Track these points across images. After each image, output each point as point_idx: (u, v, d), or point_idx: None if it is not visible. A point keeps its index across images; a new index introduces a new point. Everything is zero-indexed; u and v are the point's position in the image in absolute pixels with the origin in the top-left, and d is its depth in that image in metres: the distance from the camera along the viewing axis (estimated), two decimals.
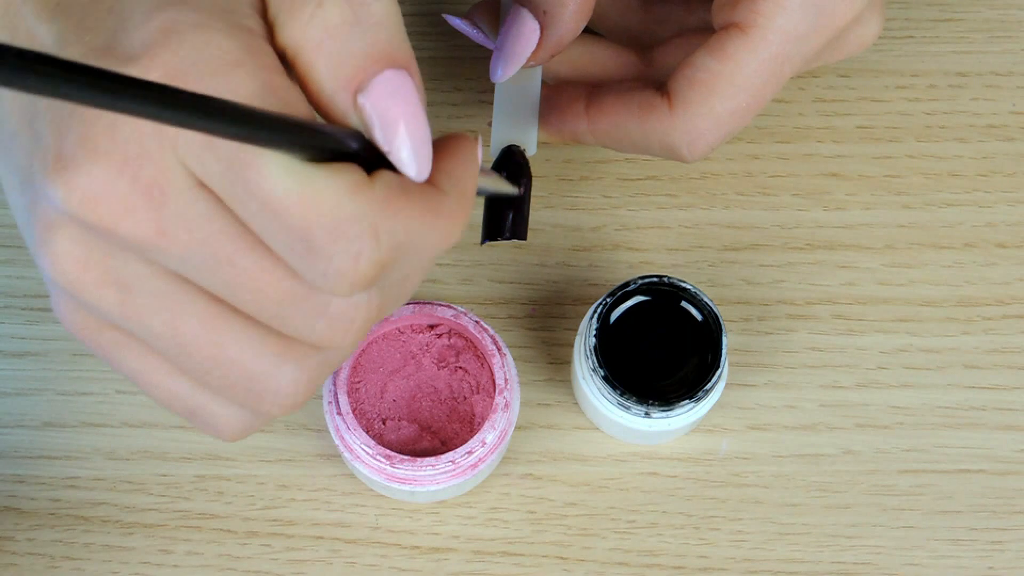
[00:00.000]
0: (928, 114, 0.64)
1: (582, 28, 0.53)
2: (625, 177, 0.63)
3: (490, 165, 0.55)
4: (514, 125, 0.55)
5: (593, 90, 0.55)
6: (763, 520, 0.60)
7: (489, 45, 0.56)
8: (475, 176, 0.40)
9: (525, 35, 0.53)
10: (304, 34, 0.37)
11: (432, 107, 0.63)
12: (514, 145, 0.54)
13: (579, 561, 0.59)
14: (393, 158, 0.38)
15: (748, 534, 0.60)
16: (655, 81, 0.54)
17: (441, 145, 0.40)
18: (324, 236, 0.36)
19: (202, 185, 0.37)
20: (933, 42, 0.65)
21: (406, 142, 0.37)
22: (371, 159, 0.38)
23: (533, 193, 0.62)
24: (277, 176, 0.36)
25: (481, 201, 0.54)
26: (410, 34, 0.64)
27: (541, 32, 0.52)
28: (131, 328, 0.39)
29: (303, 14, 0.37)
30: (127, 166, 0.36)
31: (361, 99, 0.37)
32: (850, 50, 0.54)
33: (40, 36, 0.39)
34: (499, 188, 0.51)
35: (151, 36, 0.36)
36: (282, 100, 0.36)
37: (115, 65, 0.36)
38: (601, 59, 0.56)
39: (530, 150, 0.55)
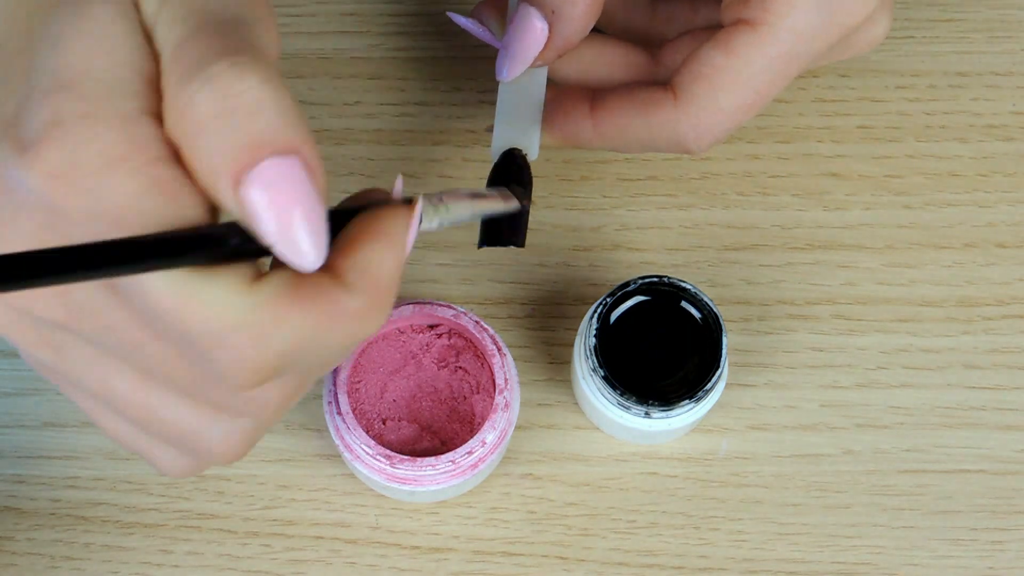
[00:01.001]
0: (928, 114, 0.64)
1: (591, 27, 0.53)
2: (625, 177, 0.63)
3: (491, 165, 0.54)
4: (516, 128, 0.54)
5: (597, 92, 0.55)
6: (763, 520, 0.60)
7: (495, 44, 0.55)
8: (396, 263, 0.38)
9: (533, 34, 0.52)
10: (178, 128, 0.36)
11: (432, 107, 0.63)
12: (515, 148, 0.54)
13: (579, 561, 0.59)
14: (277, 251, 0.36)
15: (748, 534, 0.60)
16: (661, 80, 0.54)
17: (359, 225, 0.38)
18: (207, 343, 0.36)
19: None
20: (933, 42, 0.65)
21: (291, 232, 0.35)
22: (262, 252, 0.36)
23: (532, 193, 0.62)
24: (157, 283, 0.35)
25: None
26: (410, 34, 0.64)
27: (549, 31, 0.52)
28: (70, 381, 0.40)
29: (177, 107, 0.36)
30: None
31: (240, 192, 0.35)
32: (859, 49, 0.53)
33: None
34: (495, 209, 0.48)
35: (42, 126, 0.36)
36: (168, 194, 0.36)
37: (12, 151, 0.36)
38: (609, 59, 0.56)
39: (532, 154, 0.54)
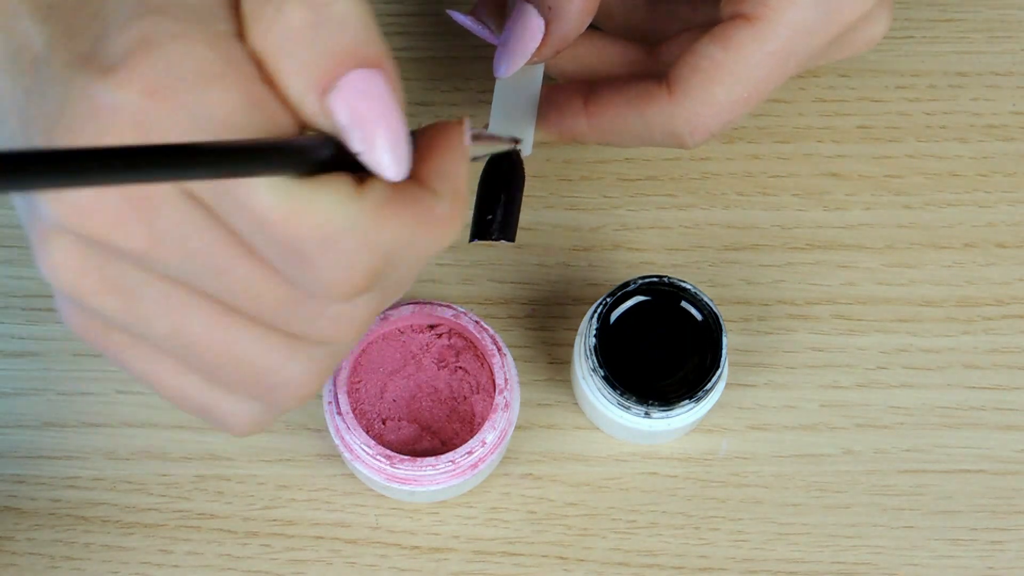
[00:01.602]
0: (928, 114, 0.64)
1: (587, 24, 0.53)
2: (625, 177, 0.63)
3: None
4: (512, 124, 0.54)
5: (591, 86, 0.55)
6: (763, 520, 0.60)
7: (494, 41, 0.55)
8: (465, 168, 0.39)
9: (530, 31, 0.52)
10: (266, 39, 0.37)
11: (432, 107, 0.63)
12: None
13: (579, 561, 0.59)
14: (365, 160, 0.37)
15: (748, 534, 0.60)
16: (657, 76, 0.54)
17: (426, 140, 0.39)
18: (315, 250, 0.36)
19: (193, 197, 0.37)
20: (933, 42, 0.65)
21: (377, 144, 0.37)
22: (351, 163, 0.37)
23: (532, 193, 0.62)
24: (264, 194, 0.36)
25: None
26: (410, 34, 0.64)
27: (546, 28, 0.52)
28: (137, 331, 0.39)
29: (264, 19, 0.37)
30: None
31: (328, 102, 0.36)
32: (857, 48, 0.53)
33: (33, 38, 0.38)
34: (491, 149, 0.50)
35: (129, 46, 0.36)
36: (263, 111, 0.36)
37: (95, 75, 0.36)
38: (607, 55, 0.56)
39: (526, 150, 0.54)
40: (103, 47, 0.36)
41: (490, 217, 0.52)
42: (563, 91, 0.55)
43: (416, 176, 0.38)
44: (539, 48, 0.53)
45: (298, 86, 0.37)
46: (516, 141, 0.50)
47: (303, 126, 0.38)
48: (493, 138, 0.49)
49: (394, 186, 0.37)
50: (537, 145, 0.55)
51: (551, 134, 0.55)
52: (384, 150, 0.37)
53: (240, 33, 0.37)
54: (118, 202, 0.36)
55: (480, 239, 0.52)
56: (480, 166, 0.54)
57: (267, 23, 0.36)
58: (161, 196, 0.37)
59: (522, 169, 0.53)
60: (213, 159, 0.33)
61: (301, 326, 0.39)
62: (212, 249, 0.37)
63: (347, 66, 0.36)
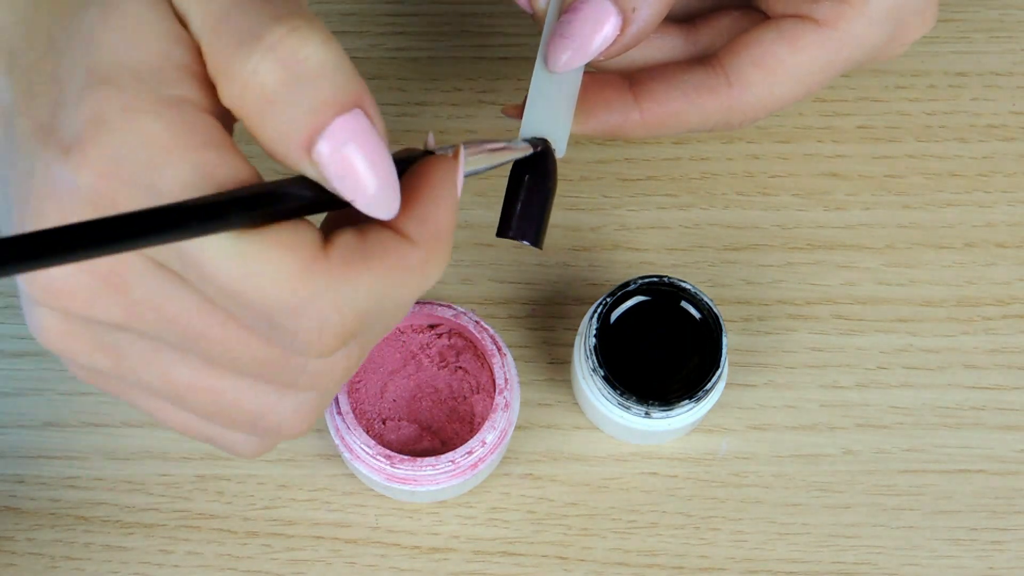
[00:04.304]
0: (928, 114, 0.64)
1: (660, 22, 0.49)
2: (625, 177, 0.63)
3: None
4: (547, 120, 0.49)
5: (636, 79, 0.52)
6: (763, 520, 0.60)
7: (529, 9, 0.50)
8: (451, 207, 0.38)
9: (604, 25, 0.48)
10: (243, 101, 0.36)
11: (432, 107, 0.63)
12: (544, 141, 0.49)
13: (579, 561, 0.59)
14: (358, 206, 0.36)
15: (748, 534, 0.60)
16: (696, 59, 0.52)
17: (414, 178, 0.38)
18: (284, 316, 0.36)
19: (163, 267, 0.37)
20: (933, 42, 0.65)
21: (367, 188, 0.36)
22: (330, 201, 0.37)
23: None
24: (225, 263, 0.35)
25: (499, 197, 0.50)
26: (410, 34, 0.64)
27: (622, 27, 0.48)
28: (130, 383, 0.40)
29: (237, 80, 0.36)
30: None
31: (314, 155, 0.36)
32: (883, 60, 0.53)
33: (1, 91, 0.39)
34: (513, 156, 0.46)
35: (82, 126, 0.36)
36: (216, 179, 0.36)
37: (55, 153, 0.36)
38: (649, 41, 0.53)
39: (559, 151, 0.49)
40: (60, 120, 0.37)
41: (519, 216, 0.48)
42: (609, 85, 0.52)
43: (390, 222, 0.38)
44: (608, 47, 0.49)
45: (282, 145, 0.36)
46: (535, 147, 0.47)
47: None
48: (508, 148, 0.46)
49: (362, 237, 0.37)
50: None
51: (596, 132, 0.52)
52: (370, 195, 0.36)
53: (197, 95, 0.37)
54: (90, 280, 0.37)
55: (501, 236, 0.48)
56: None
57: (241, 85, 0.36)
58: (130, 270, 0.37)
59: (555, 169, 0.49)
60: (161, 223, 0.33)
61: (284, 379, 0.39)
62: (187, 315, 0.37)
63: (329, 116, 0.36)
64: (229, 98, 0.36)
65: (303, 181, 0.37)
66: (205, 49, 0.37)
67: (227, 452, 0.43)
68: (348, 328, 0.37)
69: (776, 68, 0.50)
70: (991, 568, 0.59)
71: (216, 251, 0.35)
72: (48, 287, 0.37)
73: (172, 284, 0.37)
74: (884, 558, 0.59)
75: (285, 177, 0.37)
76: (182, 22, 0.37)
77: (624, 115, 0.51)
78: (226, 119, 0.38)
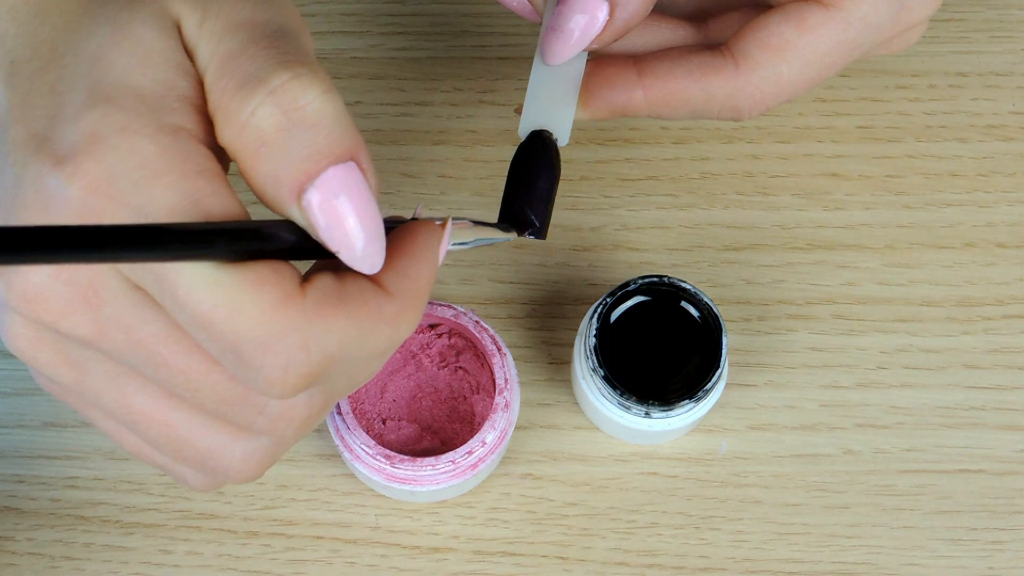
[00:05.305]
0: (928, 114, 0.64)
1: (651, 8, 0.50)
2: (625, 177, 0.63)
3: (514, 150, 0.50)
4: (549, 109, 0.50)
5: (641, 58, 0.52)
6: (763, 520, 0.60)
7: (532, 18, 0.51)
8: (432, 269, 0.39)
9: (592, 14, 0.49)
10: (239, 140, 0.37)
11: (432, 107, 0.63)
12: (545, 131, 0.50)
13: (579, 561, 0.59)
14: (343, 259, 0.37)
15: (748, 534, 0.60)
16: (712, 48, 0.52)
17: (399, 237, 0.39)
18: (251, 349, 0.36)
19: (138, 288, 0.37)
20: (933, 42, 0.65)
21: (353, 241, 0.37)
22: (315, 250, 0.37)
23: None
24: (200, 290, 0.36)
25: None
26: (410, 34, 0.64)
27: (610, 13, 0.49)
28: (88, 400, 0.40)
29: (236, 120, 0.36)
30: (63, 269, 0.37)
31: (304, 203, 0.36)
32: (894, 50, 0.53)
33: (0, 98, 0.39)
34: (495, 238, 0.47)
35: (79, 139, 0.36)
36: (204, 209, 0.36)
37: (47, 163, 0.36)
38: (657, 32, 0.53)
39: (562, 140, 0.49)
40: (57, 132, 0.37)
41: (515, 208, 0.48)
42: (612, 63, 0.52)
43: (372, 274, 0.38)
44: (599, 35, 0.49)
45: (272, 188, 0.37)
46: (520, 232, 0.47)
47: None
48: (492, 227, 0.47)
49: (340, 284, 0.37)
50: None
51: (599, 111, 0.52)
52: (356, 248, 0.37)
53: (195, 126, 0.37)
54: (65, 292, 0.37)
55: (505, 223, 0.48)
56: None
57: (239, 125, 0.36)
58: (107, 287, 0.37)
59: (559, 159, 0.49)
60: (145, 240, 0.33)
61: (242, 419, 0.39)
62: (155, 340, 0.38)
63: (322, 165, 0.36)
64: (226, 137, 0.37)
65: (290, 225, 0.37)
66: (208, 85, 0.37)
67: (177, 483, 0.43)
68: (314, 370, 0.37)
69: (783, 48, 0.50)
70: (991, 568, 0.59)
71: (193, 276, 0.36)
72: (25, 293, 0.37)
73: (145, 307, 0.37)
74: (884, 558, 0.59)
75: (274, 219, 0.37)
76: (190, 55, 0.38)
77: (628, 93, 0.51)
78: (222, 155, 0.38)
